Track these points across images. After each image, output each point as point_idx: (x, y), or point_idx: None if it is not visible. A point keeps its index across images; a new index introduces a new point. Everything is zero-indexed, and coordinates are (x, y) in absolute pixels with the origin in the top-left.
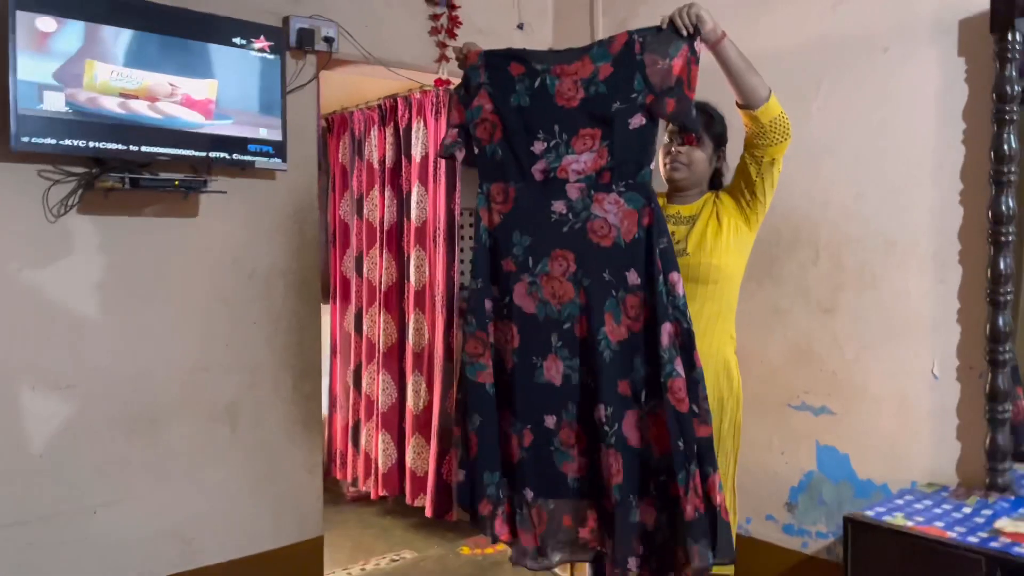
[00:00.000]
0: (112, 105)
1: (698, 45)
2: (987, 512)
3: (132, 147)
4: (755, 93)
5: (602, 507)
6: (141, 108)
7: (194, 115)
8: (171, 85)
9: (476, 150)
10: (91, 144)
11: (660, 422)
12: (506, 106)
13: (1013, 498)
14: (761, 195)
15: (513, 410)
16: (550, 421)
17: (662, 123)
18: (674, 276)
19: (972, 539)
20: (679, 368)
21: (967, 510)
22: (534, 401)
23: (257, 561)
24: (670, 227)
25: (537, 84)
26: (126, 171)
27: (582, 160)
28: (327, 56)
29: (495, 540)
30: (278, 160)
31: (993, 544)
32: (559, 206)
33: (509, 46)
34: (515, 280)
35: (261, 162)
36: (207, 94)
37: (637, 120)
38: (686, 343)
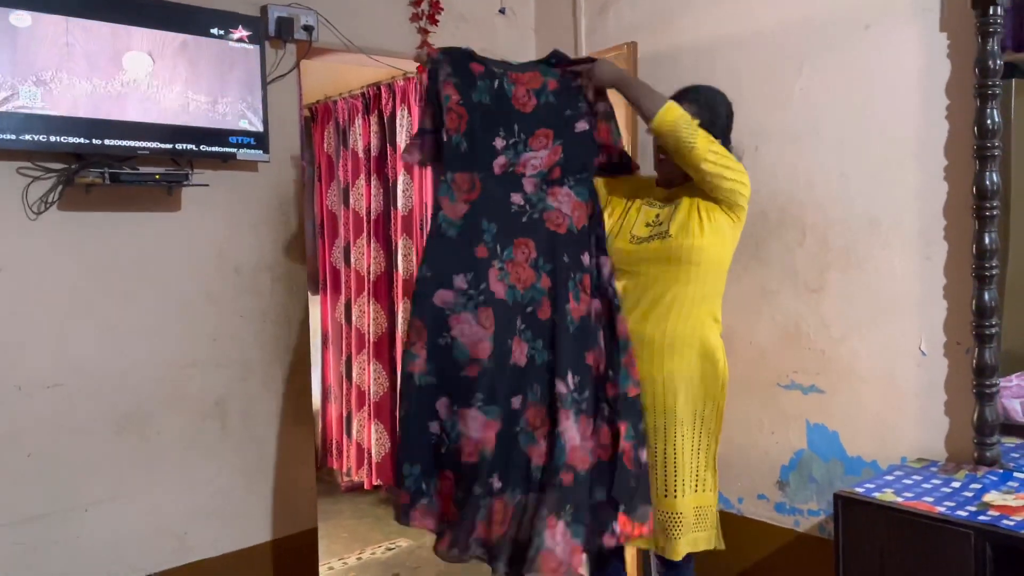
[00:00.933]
0: (91, 99)
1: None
2: (976, 486)
3: (110, 142)
4: (648, 112)
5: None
6: (120, 102)
7: (174, 108)
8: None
9: (444, 138)
10: (69, 140)
11: None
12: (469, 100)
13: (1001, 471)
14: (718, 194)
15: (493, 397)
16: (516, 401)
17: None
18: (603, 259)
19: (961, 513)
20: (600, 340)
21: (956, 484)
22: (505, 385)
23: (252, 554)
24: (655, 209)
25: (496, 86)
26: (105, 166)
27: (539, 156)
28: (307, 45)
29: (408, 525)
30: (260, 151)
31: (982, 517)
32: (516, 198)
33: (491, 32)
34: (487, 266)
35: (243, 154)
36: (187, 87)
37: (582, 125)
38: (610, 317)
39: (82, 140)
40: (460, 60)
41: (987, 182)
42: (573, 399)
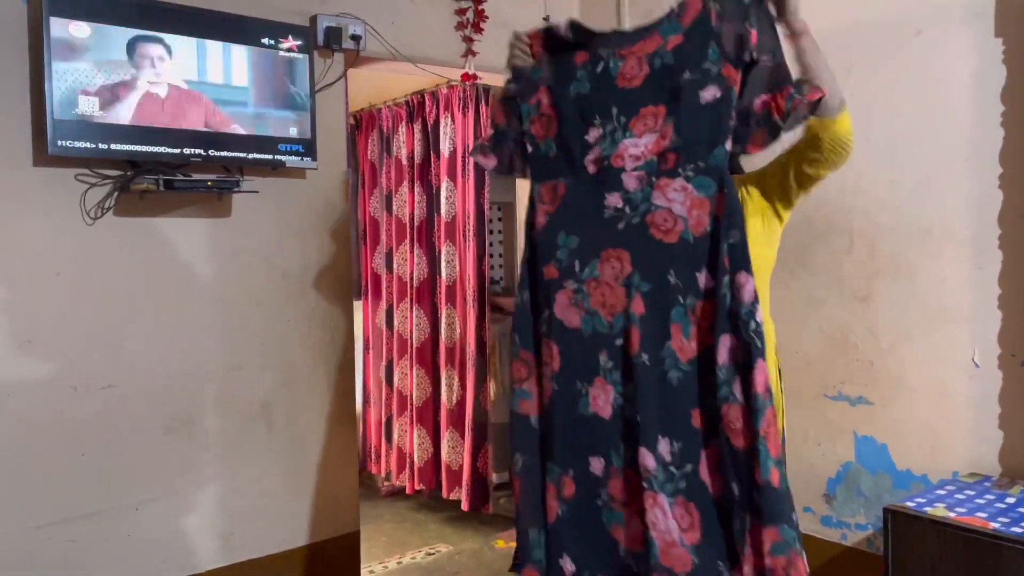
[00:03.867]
0: (146, 108)
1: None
2: None
3: (164, 149)
4: (825, 102)
5: None
6: (175, 111)
7: (225, 117)
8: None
9: (530, 148)
10: (124, 147)
11: None
12: (565, 97)
13: None
14: (795, 200)
15: (551, 451)
16: (596, 466)
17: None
18: (742, 277)
19: (1016, 529)
20: (736, 392)
21: (1011, 500)
22: (577, 439)
23: (295, 556)
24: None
25: (600, 69)
26: (160, 173)
27: (641, 143)
28: (355, 54)
29: None
30: (308, 159)
31: None
32: (614, 199)
33: None
34: (557, 288)
35: (292, 161)
36: (238, 96)
37: (711, 93)
38: (747, 361)
39: (137, 147)
40: (563, 56)
41: None
42: (669, 475)
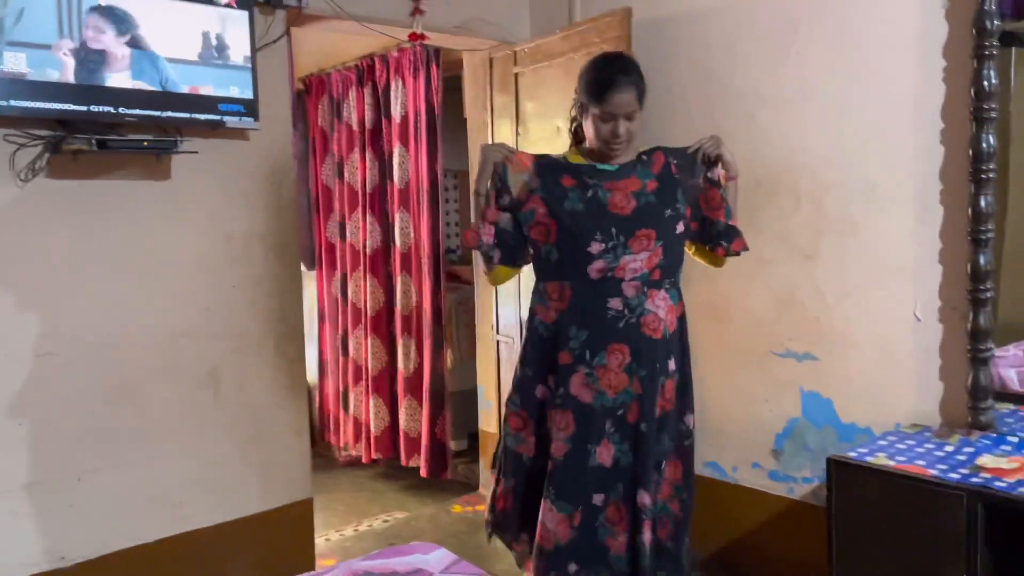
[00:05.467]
0: (77, 65)
1: (714, 173)
2: (969, 450)
3: (97, 108)
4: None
5: None
6: (108, 67)
7: (161, 74)
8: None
9: (531, 249)
10: (55, 106)
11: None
12: (561, 209)
13: (995, 436)
14: None
15: (564, 494)
16: (598, 499)
17: (596, 116)
18: (688, 368)
19: (953, 475)
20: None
21: (949, 448)
22: (586, 483)
23: (246, 524)
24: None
25: (590, 195)
26: (92, 133)
27: (639, 259)
28: (296, 11)
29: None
30: (250, 119)
31: (974, 480)
32: (615, 303)
33: (485, 8)
34: (571, 372)
35: (232, 121)
36: (175, 53)
37: (680, 227)
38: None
39: (68, 106)
40: (550, 175)
41: (983, 144)
42: (655, 505)
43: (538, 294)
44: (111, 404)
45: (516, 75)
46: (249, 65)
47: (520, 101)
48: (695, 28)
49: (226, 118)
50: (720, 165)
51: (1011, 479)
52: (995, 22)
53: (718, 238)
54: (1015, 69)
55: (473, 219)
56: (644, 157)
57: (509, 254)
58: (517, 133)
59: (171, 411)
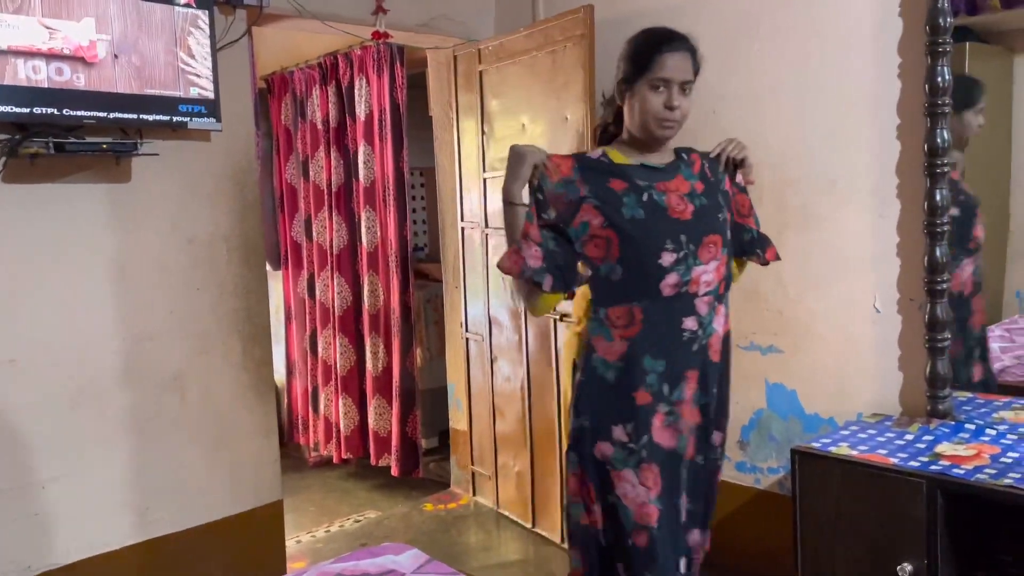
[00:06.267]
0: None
1: (738, 177)
2: (928, 438)
3: (55, 111)
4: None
5: None
6: (65, 69)
7: (120, 76)
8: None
9: (587, 272)
10: (11, 109)
11: None
12: (620, 218)
13: (953, 423)
14: None
15: (663, 571)
16: (683, 566)
17: (645, 87)
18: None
19: (913, 463)
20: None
21: (909, 437)
22: (676, 546)
23: (215, 528)
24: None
25: (646, 198)
26: (50, 136)
27: (709, 270)
28: (257, 11)
29: None
30: (212, 120)
31: (933, 467)
32: (690, 323)
33: (449, 6)
34: (652, 414)
35: (194, 122)
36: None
37: (729, 234)
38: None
39: (25, 110)
40: (597, 179)
41: (938, 139)
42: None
43: (596, 324)
44: (74, 410)
45: (480, 73)
46: (209, 65)
47: (485, 99)
48: (658, 25)
49: (187, 119)
50: (743, 169)
51: (968, 466)
52: (948, 19)
53: (752, 246)
54: (970, 63)
55: (507, 235)
56: (684, 156)
57: (561, 278)
58: (483, 131)
59: (136, 416)
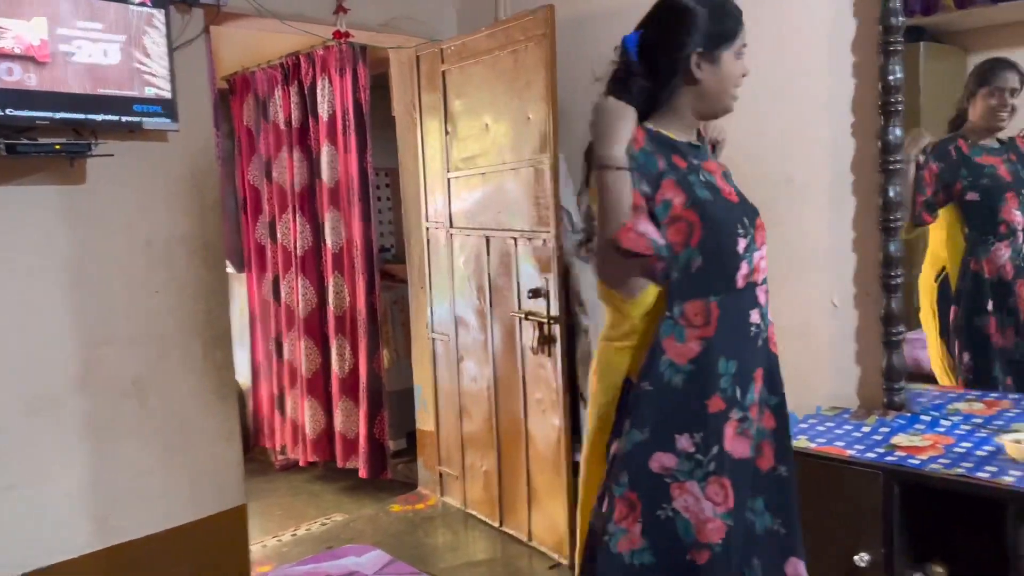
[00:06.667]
0: None
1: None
2: (885, 430)
3: (5, 111)
4: None
5: None
6: (16, 69)
7: (74, 75)
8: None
9: (661, 261)
10: None
11: None
12: (698, 198)
13: (909, 415)
14: None
15: None
16: None
17: (732, 56)
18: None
19: (870, 455)
20: None
21: (866, 429)
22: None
23: (177, 534)
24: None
25: (703, 179)
26: (1, 137)
27: (764, 255)
28: (215, 10)
29: None
30: (168, 120)
31: (889, 458)
32: (755, 316)
33: (411, 6)
34: (724, 421)
35: (150, 123)
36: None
37: None
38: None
39: None
40: (667, 153)
41: (891, 136)
42: None
43: (669, 324)
44: (29, 417)
45: (443, 73)
46: (166, 65)
47: (448, 99)
48: (617, 26)
49: (143, 119)
50: (717, 152)
51: (924, 456)
52: (900, 18)
53: None
54: (924, 63)
55: (603, 212)
56: (701, 135)
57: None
58: (446, 131)
59: (94, 422)
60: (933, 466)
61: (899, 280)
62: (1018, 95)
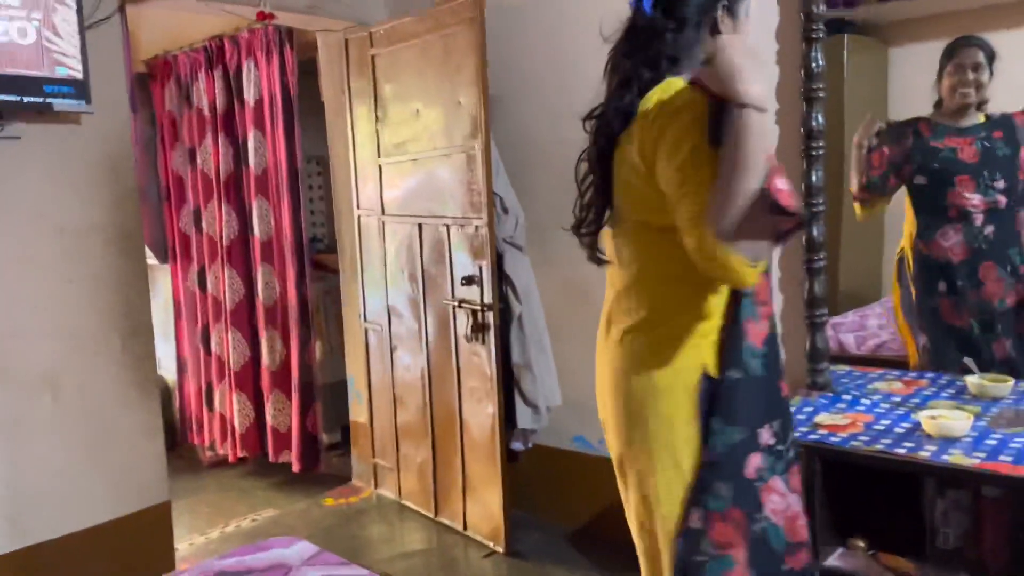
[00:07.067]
0: None
1: None
2: (808, 409)
3: None
4: None
5: None
6: None
7: None
8: None
9: (800, 225)
10: None
11: None
12: None
13: (831, 394)
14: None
15: None
16: None
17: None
18: None
19: (794, 433)
20: None
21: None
22: None
23: (96, 533)
24: None
25: None
26: None
27: None
28: None
29: None
30: (81, 102)
31: (812, 436)
32: None
33: None
34: (789, 403)
35: (61, 104)
36: None
37: None
38: None
39: None
40: None
41: (813, 123)
42: None
43: (748, 303)
44: None
45: (373, 57)
46: (77, 44)
47: (378, 83)
48: (548, 14)
49: (54, 100)
50: None
51: (844, 434)
52: (821, 6)
53: None
54: (848, 55)
55: (747, 158)
56: None
57: None
58: (376, 117)
59: (2, 419)
60: (854, 443)
61: (822, 264)
62: (983, 71)
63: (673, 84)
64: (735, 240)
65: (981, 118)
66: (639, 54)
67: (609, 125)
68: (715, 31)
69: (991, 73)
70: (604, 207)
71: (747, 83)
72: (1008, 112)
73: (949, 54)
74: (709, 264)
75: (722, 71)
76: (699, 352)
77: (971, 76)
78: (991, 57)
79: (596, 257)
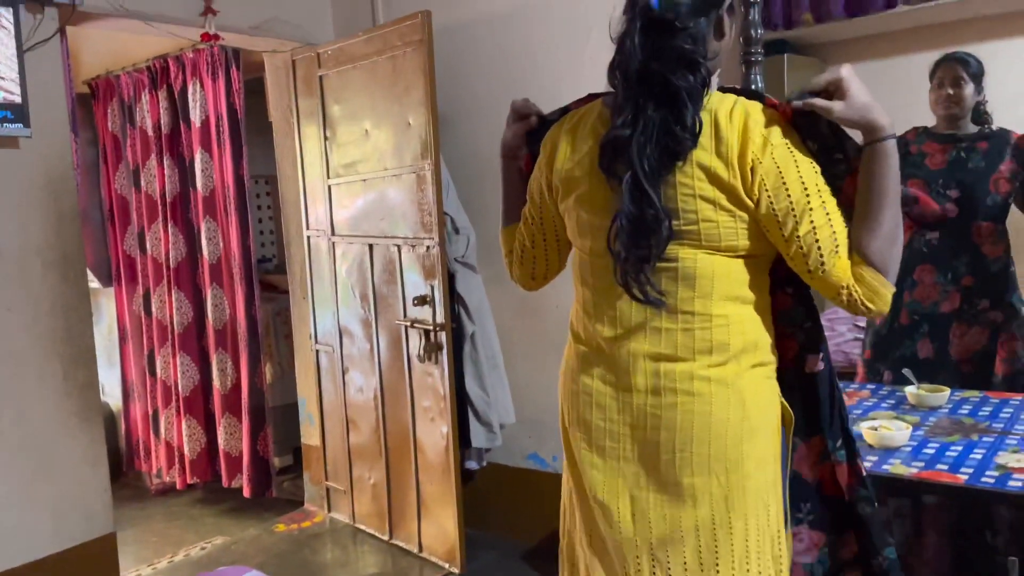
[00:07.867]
0: None
1: None
2: None
3: None
4: None
5: None
6: None
7: None
8: None
9: None
10: None
11: None
12: None
13: None
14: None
15: None
16: None
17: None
18: None
19: None
20: None
21: None
22: None
23: (38, 568)
24: None
25: None
26: None
27: None
28: (70, 9)
29: None
30: (19, 126)
31: None
32: None
33: (283, 8)
34: None
35: None
36: None
37: None
38: None
39: None
40: None
41: None
42: None
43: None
44: None
45: (321, 78)
46: (15, 67)
47: (327, 104)
48: (495, 32)
49: None
50: None
51: None
52: (759, 31)
53: None
54: (788, 73)
55: (888, 192)
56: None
57: None
58: (325, 137)
59: None
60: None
61: None
62: (964, 85)
63: (754, 107)
64: (893, 266)
65: (974, 129)
66: (671, 63)
67: (668, 146)
68: (719, 36)
69: (977, 87)
70: (668, 237)
71: (881, 112)
72: (1007, 129)
73: (934, 70)
74: (867, 295)
75: (858, 103)
76: (774, 386)
77: (950, 91)
78: (976, 73)
79: (654, 297)
